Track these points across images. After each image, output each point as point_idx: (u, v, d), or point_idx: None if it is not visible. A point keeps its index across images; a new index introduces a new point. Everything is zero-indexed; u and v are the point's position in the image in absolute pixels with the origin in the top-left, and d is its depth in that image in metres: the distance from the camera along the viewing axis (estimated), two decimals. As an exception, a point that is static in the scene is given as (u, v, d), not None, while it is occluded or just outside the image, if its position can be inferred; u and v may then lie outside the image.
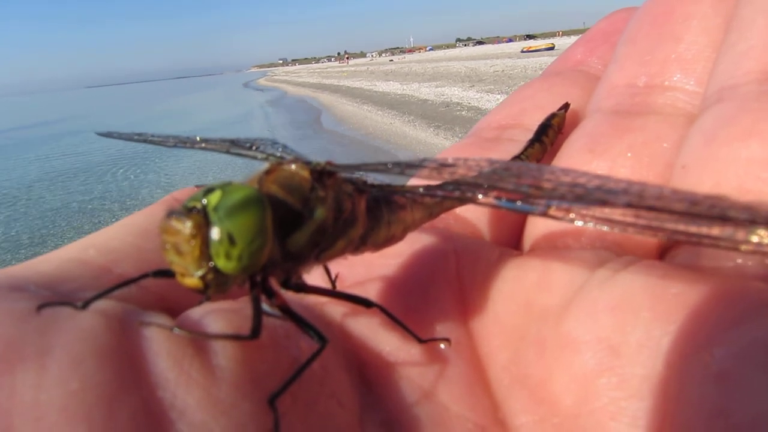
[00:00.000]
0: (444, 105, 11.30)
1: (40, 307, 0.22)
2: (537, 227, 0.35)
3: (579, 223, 0.23)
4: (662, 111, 0.35)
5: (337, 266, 0.33)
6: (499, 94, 10.90)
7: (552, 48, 33.18)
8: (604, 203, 0.22)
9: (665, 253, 0.30)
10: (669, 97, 0.35)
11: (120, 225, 0.29)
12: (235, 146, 0.36)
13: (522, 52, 31.18)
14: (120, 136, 0.42)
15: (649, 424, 0.22)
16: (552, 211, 0.24)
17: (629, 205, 0.21)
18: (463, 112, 10.04)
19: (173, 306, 0.26)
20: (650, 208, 0.21)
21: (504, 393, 0.28)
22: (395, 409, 0.27)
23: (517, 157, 0.38)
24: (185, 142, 0.37)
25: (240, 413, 0.22)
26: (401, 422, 0.27)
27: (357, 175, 0.30)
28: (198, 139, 0.37)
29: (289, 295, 0.28)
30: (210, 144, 0.37)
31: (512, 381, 0.28)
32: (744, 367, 0.21)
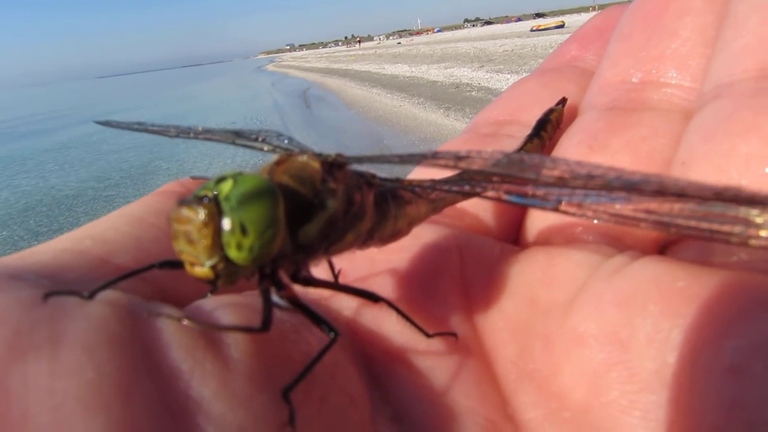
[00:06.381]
0: (454, 86, 11.19)
1: (47, 296, 0.21)
2: (538, 220, 0.35)
3: (591, 219, 0.23)
4: (658, 107, 0.35)
5: (339, 261, 0.33)
6: (509, 73, 10.77)
7: (562, 26, 32.66)
8: (630, 191, 0.22)
9: (666, 249, 0.30)
10: (664, 93, 0.35)
11: (115, 216, 0.29)
12: (239, 137, 0.35)
13: (531, 30, 30.72)
14: (119, 126, 0.41)
15: (661, 417, 0.22)
16: (563, 207, 0.23)
17: (658, 193, 0.21)
18: (473, 93, 9.94)
19: (171, 298, 0.26)
20: (679, 195, 0.20)
21: (512, 387, 0.28)
22: (405, 403, 0.27)
23: (517, 152, 0.37)
24: (187, 133, 0.36)
25: (256, 405, 0.22)
26: (412, 417, 0.27)
27: (365, 168, 0.30)
28: (200, 129, 0.36)
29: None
30: (213, 134, 0.36)
31: (520, 375, 0.28)
32: (757, 359, 0.21)
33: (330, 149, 0.32)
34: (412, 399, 0.27)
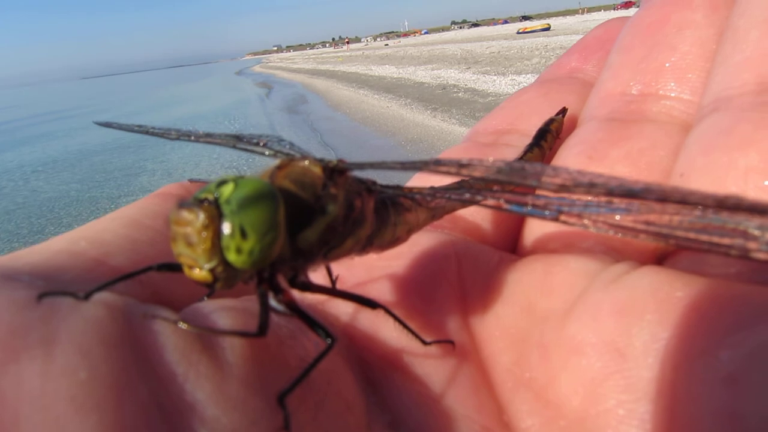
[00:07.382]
0: (440, 87, 11.24)
1: (41, 296, 0.21)
2: (536, 228, 0.35)
3: (591, 229, 0.23)
4: (657, 119, 0.35)
5: (336, 267, 0.33)
6: (495, 75, 10.85)
7: (548, 28, 32.94)
8: (633, 199, 0.22)
9: (664, 260, 0.30)
10: (664, 105, 0.36)
11: (111, 217, 0.28)
12: (241, 142, 0.35)
13: (518, 33, 30.95)
14: (120, 127, 0.41)
15: (657, 426, 0.22)
16: (563, 217, 0.23)
17: (661, 200, 0.21)
18: (460, 94, 9.99)
19: (167, 301, 0.26)
20: (682, 203, 0.20)
21: (509, 395, 0.28)
22: (401, 410, 0.27)
23: (518, 161, 0.37)
24: (188, 136, 0.36)
25: (251, 410, 0.22)
26: (408, 424, 0.27)
27: (366, 175, 0.30)
28: (201, 132, 0.36)
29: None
30: (214, 138, 0.36)
31: (517, 383, 0.28)
32: (754, 370, 0.21)
33: (316, 151, 0.32)
34: (409, 406, 0.27)
